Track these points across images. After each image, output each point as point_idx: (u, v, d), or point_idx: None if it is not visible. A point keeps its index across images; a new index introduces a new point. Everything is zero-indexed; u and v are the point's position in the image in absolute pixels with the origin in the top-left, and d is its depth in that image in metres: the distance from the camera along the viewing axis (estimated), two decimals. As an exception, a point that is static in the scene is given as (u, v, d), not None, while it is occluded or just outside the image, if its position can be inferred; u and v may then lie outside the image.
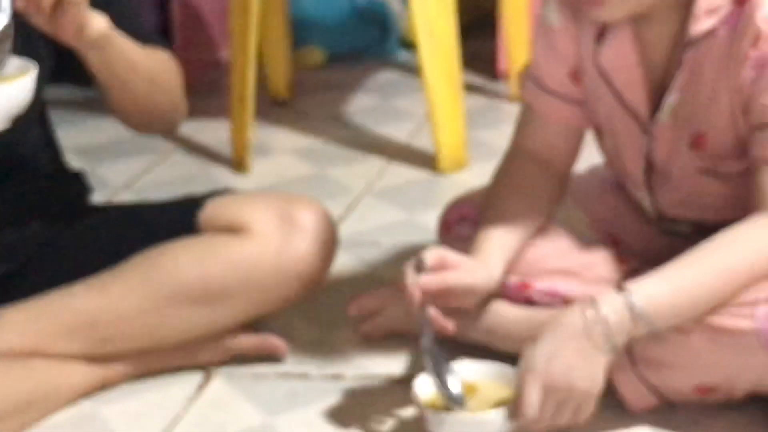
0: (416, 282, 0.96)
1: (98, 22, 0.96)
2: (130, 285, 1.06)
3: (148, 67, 1.07)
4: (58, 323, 1.07)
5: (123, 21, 1.04)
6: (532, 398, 0.89)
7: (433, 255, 0.99)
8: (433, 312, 0.98)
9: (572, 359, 0.91)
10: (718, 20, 0.94)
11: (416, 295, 0.96)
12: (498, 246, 1.05)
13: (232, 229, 1.10)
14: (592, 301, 0.90)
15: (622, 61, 1.02)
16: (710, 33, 0.95)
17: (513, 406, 0.91)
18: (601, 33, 1.03)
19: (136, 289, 1.06)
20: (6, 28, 0.90)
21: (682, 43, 0.98)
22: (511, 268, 1.06)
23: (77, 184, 1.23)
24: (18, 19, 0.92)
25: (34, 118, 1.10)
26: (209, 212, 1.12)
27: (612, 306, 0.89)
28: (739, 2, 0.94)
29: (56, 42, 0.99)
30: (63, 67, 1.10)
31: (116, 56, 1.01)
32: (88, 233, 1.16)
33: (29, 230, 1.14)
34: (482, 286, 1.01)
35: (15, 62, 0.94)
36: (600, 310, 0.89)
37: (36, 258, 1.12)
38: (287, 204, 1.13)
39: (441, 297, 0.98)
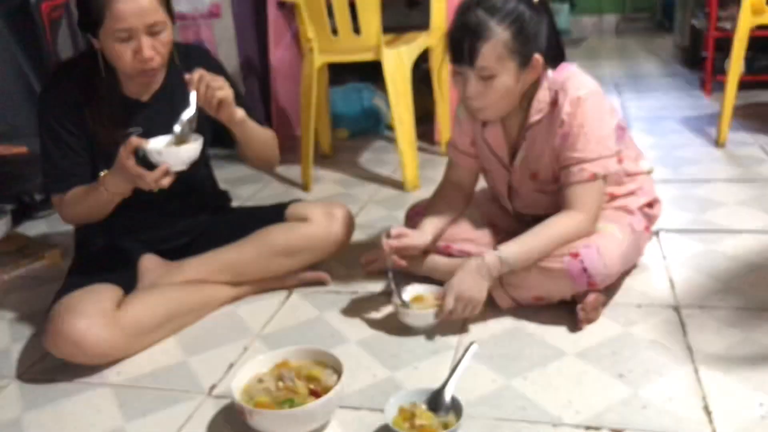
0: (386, 242, 1.54)
1: (240, 113, 1.53)
2: (252, 246, 1.69)
3: (263, 137, 1.66)
4: (215, 265, 1.68)
5: (248, 112, 1.61)
6: (449, 302, 1.44)
7: (395, 229, 1.57)
8: (395, 258, 1.55)
9: (470, 283, 1.44)
10: (542, 115, 1.49)
11: (386, 249, 1.54)
12: (430, 225, 1.62)
13: (302, 219, 1.74)
14: (480, 255, 1.46)
15: (495, 136, 1.59)
16: (539, 121, 1.50)
17: (439, 307, 1.48)
18: (484, 123, 1.59)
19: (255, 248, 1.68)
20: (192, 116, 1.44)
21: (524, 127, 1.53)
22: (439, 237, 1.65)
23: (224, 196, 1.87)
24: (197, 110, 1.47)
25: (202, 163, 1.70)
26: (290, 210, 1.76)
27: (491, 257, 1.44)
28: (553, 105, 1.48)
29: (216, 122, 1.55)
30: (218, 137, 1.68)
31: (248, 131, 1.58)
32: (230, 220, 1.78)
33: (199, 219, 1.75)
34: (420, 245, 1.58)
35: (193, 135, 1.47)
36: (485, 259, 1.45)
37: (203, 233, 1.74)
38: (329, 206, 1.78)
39: (399, 251, 1.55)
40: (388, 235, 1.56)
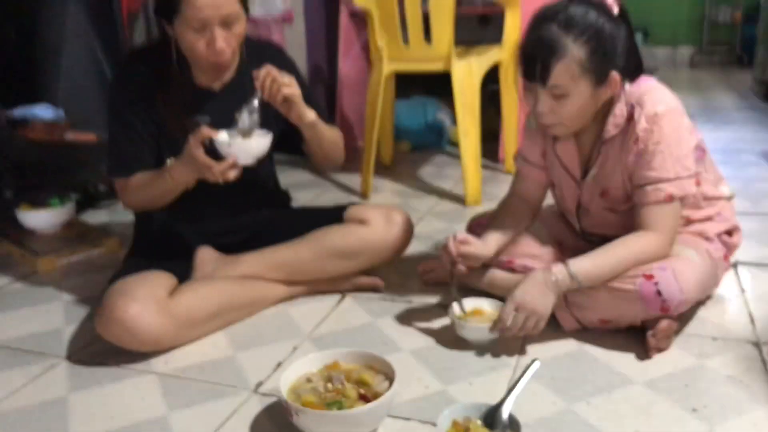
0: (452, 244, 1.46)
1: (310, 114, 1.53)
2: (309, 246, 1.66)
3: (332, 137, 1.65)
4: (271, 263, 1.65)
5: (318, 113, 1.61)
6: (508, 312, 1.36)
7: (461, 234, 1.51)
8: (457, 267, 1.48)
9: (535, 295, 1.36)
10: (618, 131, 1.42)
11: (452, 250, 1.46)
12: (494, 238, 1.55)
13: (361, 221, 1.70)
14: (548, 268, 1.38)
15: (566, 150, 1.52)
16: (613, 137, 1.43)
17: (497, 320, 1.40)
18: (554, 136, 1.52)
19: (311, 248, 1.66)
20: (254, 108, 1.44)
21: (599, 142, 1.45)
22: (502, 251, 1.58)
23: (286, 195, 1.86)
24: (264, 105, 1.48)
25: (267, 160, 1.70)
26: (349, 212, 1.73)
27: (560, 271, 1.36)
28: (628, 120, 1.40)
29: (283, 123, 1.56)
30: (282, 142, 1.64)
31: (319, 131, 1.58)
32: (289, 219, 1.77)
33: (261, 215, 1.73)
34: (482, 255, 1.51)
35: (261, 131, 1.47)
36: (553, 272, 1.36)
37: (261, 230, 1.71)
38: (388, 210, 1.74)
39: (462, 257, 1.48)
40: (453, 238, 1.50)
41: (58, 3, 2.33)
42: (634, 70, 1.42)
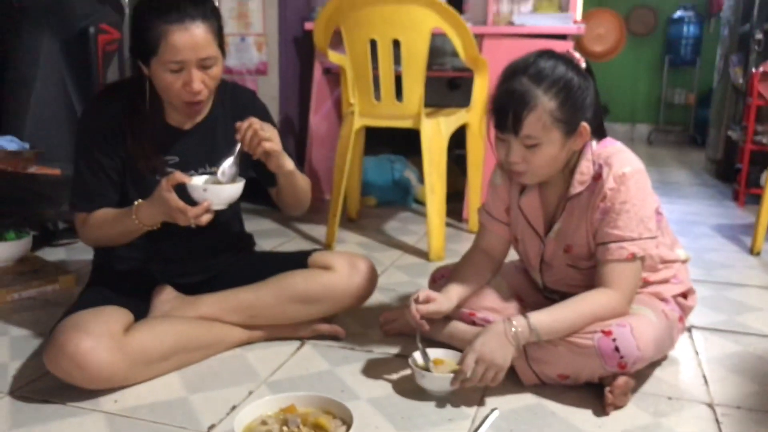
0: (414, 308, 1.48)
1: (289, 163, 1.53)
2: (270, 289, 1.64)
3: (303, 185, 1.65)
4: (230, 305, 1.62)
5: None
6: (468, 363, 1.35)
7: (423, 292, 1.51)
8: (421, 322, 1.48)
9: (494, 346, 1.35)
10: (584, 188, 1.45)
11: (414, 314, 1.48)
12: (455, 290, 1.56)
13: (325, 267, 1.69)
14: (508, 319, 1.38)
15: (531, 205, 1.54)
16: (579, 193, 1.45)
17: (458, 371, 1.38)
18: (522, 189, 1.55)
19: (273, 291, 1.63)
20: (234, 162, 1.45)
21: (564, 198, 1.48)
22: (463, 304, 1.59)
23: (249, 239, 1.85)
24: (243, 153, 1.48)
25: (235, 205, 1.64)
26: (314, 258, 1.73)
27: (519, 322, 1.37)
28: (596, 179, 1.43)
29: (253, 170, 1.59)
30: (249, 189, 1.57)
31: (293, 179, 1.59)
32: (252, 262, 1.76)
33: (221, 257, 1.72)
34: (445, 310, 1.53)
35: (238, 177, 1.47)
36: (512, 323, 1.37)
37: (223, 272, 1.70)
38: (353, 257, 1.74)
39: (426, 315, 1.49)
40: (417, 299, 1.51)
41: (32, 36, 2.33)
42: (598, 127, 1.46)
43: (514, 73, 1.39)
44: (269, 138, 1.46)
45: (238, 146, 1.46)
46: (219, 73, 1.52)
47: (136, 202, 1.49)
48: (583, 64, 1.43)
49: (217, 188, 1.42)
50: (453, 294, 1.58)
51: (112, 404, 1.40)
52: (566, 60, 1.40)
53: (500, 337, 1.38)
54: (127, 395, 1.44)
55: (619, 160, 1.44)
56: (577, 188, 1.47)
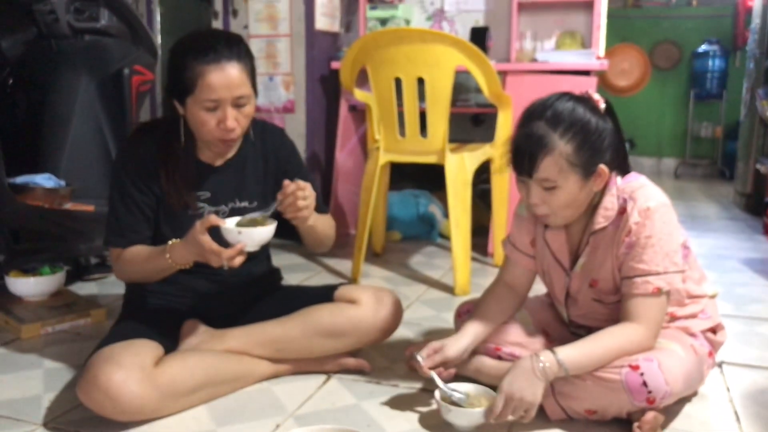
0: (421, 367, 1.49)
1: (311, 219, 1.53)
2: (297, 323, 1.66)
3: (325, 229, 1.70)
4: (258, 339, 1.65)
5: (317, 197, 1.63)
6: (499, 403, 1.36)
7: (424, 350, 1.51)
8: (440, 371, 1.50)
9: (523, 384, 1.35)
10: (608, 222, 1.45)
11: (424, 370, 1.49)
12: (472, 328, 1.57)
13: (351, 301, 1.72)
14: (535, 354, 1.38)
15: (556, 239, 1.55)
16: (604, 228, 1.46)
17: (488, 409, 1.39)
18: (546, 224, 1.55)
19: (299, 325, 1.65)
20: (271, 212, 1.49)
21: (588, 232, 1.49)
22: (490, 339, 1.60)
23: (277, 273, 1.88)
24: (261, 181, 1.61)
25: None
26: (340, 292, 1.75)
27: (547, 357, 1.37)
28: (620, 213, 1.44)
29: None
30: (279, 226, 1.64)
31: (313, 229, 1.62)
32: (279, 296, 1.78)
33: (249, 292, 1.75)
34: (454, 355, 1.52)
35: (269, 219, 1.48)
36: (540, 359, 1.36)
37: (250, 306, 1.73)
38: (379, 291, 1.76)
39: (439, 365, 1.51)
40: (422, 356, 1.51)
41: (70, 78, 2.42)
42: (621, 164, 1.47)
43: (531, 115, 1.42)
44: (307, 206, 1.48)
45: (275, 204, 1.49)
46: (252, 112, 1.57)
47: (170, 242, 1.52)
48: (603, 105, 1.44)
49: (252, 231, 1.45)
50: (467, 333, 1.58)
51: (143, 437, 1.42)
52: (585, 102, 1.42)
53: (528, 374, 1.38)
54: (157, 427, 1.45)
55: (643, 195, 1.44)
56: (600, 223, 1.47)
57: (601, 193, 1.48)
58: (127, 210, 1.60)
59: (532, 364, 1.38)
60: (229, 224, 1.46)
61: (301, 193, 1.46)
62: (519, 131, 1.43)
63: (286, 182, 1.48)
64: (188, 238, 1.46)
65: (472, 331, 1.58)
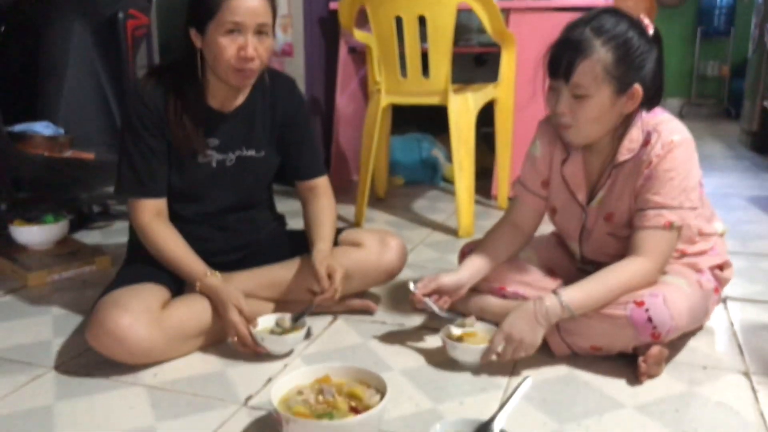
0: (414, 295, 1.51)
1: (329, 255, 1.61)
2: (299, 266, 1.67)
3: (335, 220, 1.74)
4: (263, 281, 1.66)
5: (316, 157, 1.74)
6: (497, 342, 1.38)
7: (420, 281, 1.53)
8: (435, 299, 1.52)
9: (524, 327, 1.37)
10: (632, 155, 1.43)
11: (419, 298, 1.51)
12: (471, 263, 1.57)
13: (355, 244, 1.73)
14: (540, 298, 1.39)
15: (575, 174, 1.53)
16: (626, 161, 1.44)
17: (487, 349, 1.40)
18: (565, 159, 1.54)
19: (304, 269, 1.65)
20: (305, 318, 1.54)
21: (610, 165, 1.46)
22: (494, 278, 1.60)
23: (281, 219, 1.88)
24: (261, 129, 1.63)
25: (264, 186, 1.76)
26: (344, 235, 1.75)
27: (552, 302, 1.37)
28: (643, 145, 1.41)
29: (284, 155, 1.69)
30: (279, 171, 1.74)
31: None
32: (283, 241, 1.78)
33: (253, 237, 1.74)
34: (449, 284, 1.53)
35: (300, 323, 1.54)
36: (544, 303, 1.37)
37: (255, 251, 1.73)
38: (383, 234, 1.76)
39: (435, 292, 1.53)
40: (415, 285, 1.52)
41: (63, 24, 2.37)
42: (654, 97, 1.44)
43: (576, 23, 1.40)
44: (341, 284, 1.57)
45: (311, 309, 1.57)
46: (270, 47, 1.53)
47: (214, 277, 1.56)
48: (651, 30, 1.40)
49: (279, 339, 1.52)
50: (466, 267, 1.58)
51: (152, 378, 1.44)
52: (633, 21, 1.38)
53: (530, 317, 1.38)
54: (167, 369, 1.47)
55: (668, 128, 1.42)
56: (625, 155, 1.46)
57: (626, 125, 1.45)
58: (141, 156, 1.56)
59: (535, 308, 1.39)
60: (262, 332, 1.53)
61: (335, 288, 1.55)
62: (561, 36, 1.40)
63: (319, 297, 1.57)
64: (226, 300, 1.51)
65: (471, 266, 1.59)
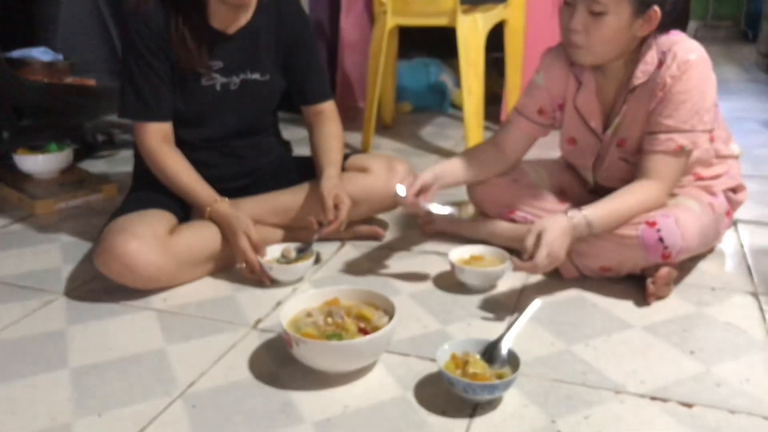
0: (407, 201, 1.43)
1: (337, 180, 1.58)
2: (309, 192, 1.65)
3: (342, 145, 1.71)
4: (271, 207, 1.65)
5: (323, 81, 1.70)
6: (541, 256, 1.28)
7: (401, 187, 1.44)
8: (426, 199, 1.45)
9: (561, 241, 1.31)
10: (647, 77, 1.39)
11: (409, 197, 1.43)
12: (445, 163, 1.55)
13: (362, 170, 1.70)
14: (568, 213, 1.33)
15: (588, 102, 1.49)
16: (641, 85, 1.40)
17: (527, 264, 1.30)
18: (578, 87, 1.50)
19: (311, 195, 1.64)
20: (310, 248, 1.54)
21: (625, 90, 1.42)
22: (504, 202, 1.60)
23: (287, 145, 1.86)
24: (265, 50, 1.59)
25: (269, 110, 1.74)
26: (351, 161, 1.73)
27: (579, 218, 1.33)
28: (658, 67, 1.38)
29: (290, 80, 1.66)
30: (285, 98, 1.71)
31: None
32: (290, 167, 1.77)
33: (260, 163, 1.73)
34: (428, 178, 1.46)
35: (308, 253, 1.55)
36: (573, 219, 1.32)
37: (262, 177, 1.72)
38: (390, 159, 1.74)
39: (422, 192, 1.45)
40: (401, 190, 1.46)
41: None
42: (675, 22, 1.39)
43: None
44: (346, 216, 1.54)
45: (315, 238, 1.55)
46: None
47: (223, 203, 1.54)
48: None
49: (287, 267, 1.52)
50: (445, 163, 1.56)
51: (162, 302, 1.45)
52: None
53: (565, 233, 1.33)
54: (176, 294, 1.49)
55: (683, 48, 1.37)
56: (640, 78, 1.41)
57: (641, 48, 1.40)
58: (145, 78, 1.52)
59: (569, 223, 1.34)
60: (269, 259, 1.53)
61: (341, 221, 1.53)
62: None
63: (324, 230, 1.55)
64: (231, 230, 1.51)
65: (448, 164, 1.57)
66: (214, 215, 1.54)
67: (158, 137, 1.56)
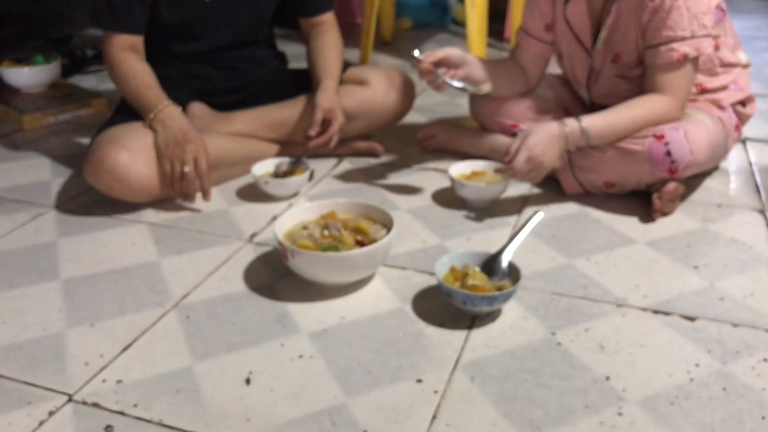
0: (421, 64, 1.36)
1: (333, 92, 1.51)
2: (305, 105, 1.60)
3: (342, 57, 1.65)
4: (265, 121, 1.60)
5: None
6: (520, 160, 1.28)
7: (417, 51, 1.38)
8: (443, 71, 1.38)
9: (546, 147, 1.30)
10: None
11: (425, 63, 1.35)
12: (471, 57, 1.47)
13: (360, 83, 1.64)
14: (562, 121, 1.32)
15: (578, 13, 1.43)
16: None
17: (505, 168, 1.32)
18: (567, 0, 1.44)
19: (307, 108, 1.59)
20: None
21: (610, 0, 1.38)
22: (507, 115, 1.56)
23: (282, 57, 1.78)
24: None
25: (264, 24, 1.65)
26: (348, 73, 1.66)
27: (572, 125, 1.32)
28: None
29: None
30: (279, 17, 1.65)
31: None
32: (285, 80, 1.71)
33: (254, 76, 1.66)
34: (456, 55, 1.40)
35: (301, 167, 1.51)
36: (566, 125, 1.32)
37: (256, 90, 1.66)
38: (390, 71, 1.67)
39: (440, 64, 1.38)
40: (417, 60, 1.37)
41: None
42: None
43: None
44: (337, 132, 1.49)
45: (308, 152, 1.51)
46: None
47: (178, 110, 1.44)
48: None
49: (282, 181, 1.48)
50: (468, 55, 1.46)
51: (154, 215, 1.42)
52: None
53: (553, 138, 1.31)
54: (168, 207, 1.45)
55: None
56: None
57: None
58: None
59: (559, 129, 1.32)
60: (261, 170, 1.51)
61: (333, 136, 1.49)
62: None
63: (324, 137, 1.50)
64: (176, 129, 1.39)
65: (475, 59, 1.48)
66: (166, 116, 1.41)
67: (122, 47, 1.48)
